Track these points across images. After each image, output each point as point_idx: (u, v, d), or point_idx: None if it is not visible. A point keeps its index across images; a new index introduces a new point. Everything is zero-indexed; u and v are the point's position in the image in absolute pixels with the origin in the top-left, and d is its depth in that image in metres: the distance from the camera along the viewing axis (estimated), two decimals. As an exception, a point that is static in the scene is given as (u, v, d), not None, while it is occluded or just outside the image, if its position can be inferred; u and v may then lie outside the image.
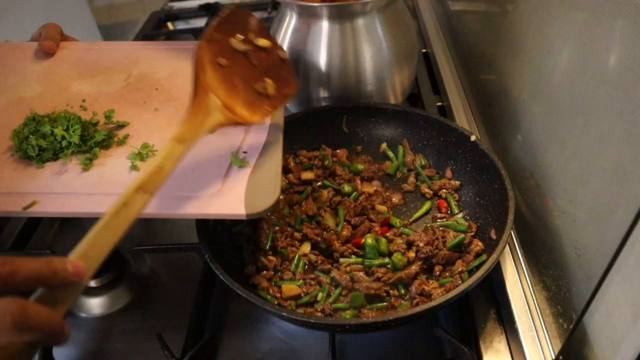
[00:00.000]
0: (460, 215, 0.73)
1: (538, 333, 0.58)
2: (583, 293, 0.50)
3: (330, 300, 0.63)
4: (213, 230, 0.65)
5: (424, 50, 1.14)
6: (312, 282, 0.66)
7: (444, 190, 0.76)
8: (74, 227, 0.86)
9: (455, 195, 0.75)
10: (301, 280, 0.66)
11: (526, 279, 0.63)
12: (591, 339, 0.50)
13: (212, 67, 0.60)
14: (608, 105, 0.47)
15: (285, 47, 0.83)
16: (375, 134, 0.84)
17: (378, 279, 0.65)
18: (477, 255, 0.65)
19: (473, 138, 0.73)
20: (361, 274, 0.65)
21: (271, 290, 0.65)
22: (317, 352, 0.63)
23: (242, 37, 0.65)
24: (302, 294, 0.65)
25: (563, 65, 0.57)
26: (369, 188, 0.79)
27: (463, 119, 0.89)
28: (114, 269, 0.72)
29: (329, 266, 0.67)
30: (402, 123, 0.82)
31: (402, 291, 0.64)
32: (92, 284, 0.71)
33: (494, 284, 0.67)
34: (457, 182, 0.76)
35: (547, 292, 0.59)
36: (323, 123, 0.83)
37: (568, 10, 0.55)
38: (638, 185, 0.41)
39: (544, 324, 0.58)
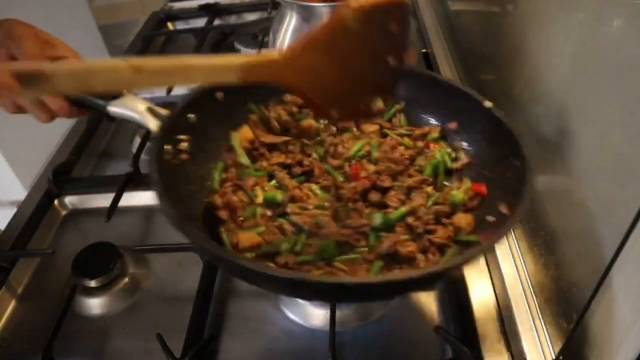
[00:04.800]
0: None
1: (538, 333, 0.57)
2: (583, 293, 0.50)
3: (297, 249, 0.54)
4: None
5: (424, 50, 1.14)
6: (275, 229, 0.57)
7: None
8: (74, 227, 0.86)
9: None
10: (263, 227, 0.56)
11: (526, 278, 0.63)
12: (591, 339, 0.50)
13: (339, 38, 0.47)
14: (608, 105, 0.47)
15: (285, 47, 0.82)
16: None
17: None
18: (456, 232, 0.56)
19: (488, 104, 0.62)
20: (327, 218, 0.56)
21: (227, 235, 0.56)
22: (317, 352, 0.63)
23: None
24: (263, 243, 0.55)
25: (563, 65, 0.57)
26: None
27: (463, 119, 0.89)
28: (114, 269, 0.72)
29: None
30: (405, 83, 0.67)
31: (373, 242, 0.55)
32: (92, 284, 0.71)
33: (494, 283, 0.67)
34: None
35: (547, 292, 0.59)
36: None
37: (568, 10, 0.55)
38: (638, 185, 0.41)
39: (544, 324, 0.58)
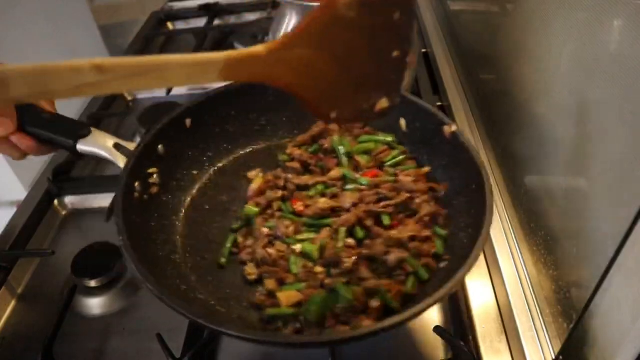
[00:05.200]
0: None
1: (538, 333, 0.57)
2: (583, 293, 0.50)
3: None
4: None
5: (424, 50, 1.14)
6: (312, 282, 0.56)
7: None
8: (74, 227, 0.86)
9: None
10: (303, 283, 0.55)
11: (526, 278, 0.63)
12: (591, 339, 0.50)
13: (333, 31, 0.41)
14: (608, 105, 0.47)
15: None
16: None
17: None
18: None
19: (453, 128, 0.61)
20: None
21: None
22: (317, 352, 0.63)
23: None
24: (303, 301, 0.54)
25: (563, 65, 0.57)
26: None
27: (463, 119, 0.89)
28: (114, 269, 0.72)
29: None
30: None
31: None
32: (92, 284, 0.71)
33: (494, 283, 0.67)
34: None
35: (547, 292, 0.59)
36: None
37: (568, 10, 0.55)
38: (638, 185, 0.41)
39: (544, 324, 0.58)
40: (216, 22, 1.39)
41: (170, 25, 1.45)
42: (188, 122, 0.65)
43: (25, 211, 0.84)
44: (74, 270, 0.71)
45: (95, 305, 0.71)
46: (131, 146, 0.60)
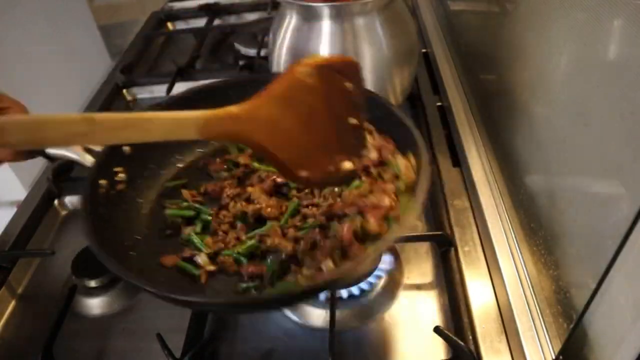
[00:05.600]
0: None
1: (538, 333, 0.57)
2: (583, 293, 0.50)
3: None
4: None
5: (424, 50, 1.14)
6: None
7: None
8: (74, 227, 0.86)
9: None
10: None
11: (526, 278, 0.63)
12: (591, 339, 0.50)
13: (297, 93, 0.47)
14: (608, 105, 0.47)
15: (285, 47, 0.82)
16: None
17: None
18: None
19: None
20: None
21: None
22: (317, 351, 0.63)
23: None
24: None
25: (563, 65, 0.57)
26: None
27: (463, 119, 0.89)
28: (114, 269, 0.72)
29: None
30: None
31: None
32: (92, 284, 0.71)
33: (494, 283, 0.67)
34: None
35: (547, 292, 0.59)
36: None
37: (568, 10, 0.55)
38: (638, 185, 0.41)
39: (544, 324, 0.58)
40: (216, 22, 1.39)
41: (170, 25, 1.45)
42: None
43: (25, 211, 0.84)
44: (74, 270, 0.71)
45: (95, 305, 0.71)
46: (98, 148, 0.63)
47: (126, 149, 0.64)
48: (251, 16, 1.41)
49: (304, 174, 0.48)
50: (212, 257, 0.60)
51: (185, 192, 0.67)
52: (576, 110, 0.53)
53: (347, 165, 0.51)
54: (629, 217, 0.42)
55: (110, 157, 0.62)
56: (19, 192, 1.24)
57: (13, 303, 0.74)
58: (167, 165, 0.70)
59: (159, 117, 0.44)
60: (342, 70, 0.49)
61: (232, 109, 0.45)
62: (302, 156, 0.48)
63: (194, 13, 1.43)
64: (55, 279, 0.76)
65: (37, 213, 0.84)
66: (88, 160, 0.62)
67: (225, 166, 0.71)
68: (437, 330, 0.61)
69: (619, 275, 0.45)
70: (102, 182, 0.60)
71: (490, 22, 0.85)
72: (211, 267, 0.58)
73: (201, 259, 0.59)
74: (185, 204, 0.66)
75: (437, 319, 0.65)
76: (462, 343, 0.58)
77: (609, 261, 0.45)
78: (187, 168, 0.71)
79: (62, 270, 0.75)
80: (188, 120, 0.43)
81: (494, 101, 0.81)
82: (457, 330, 0.63)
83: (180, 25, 1.45)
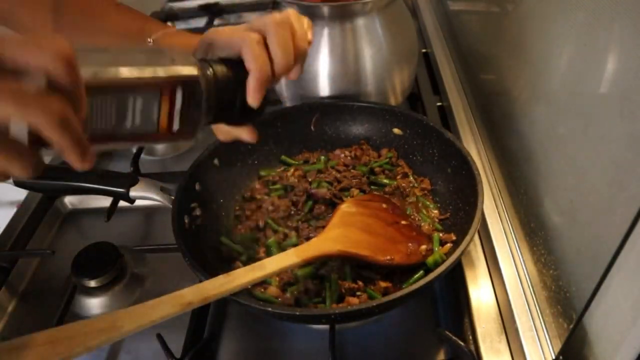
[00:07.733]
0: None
1: (538, 333, 0.57)
2: (583, 293, 0.50)
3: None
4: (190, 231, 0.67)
5: (424, 50, 1.14)
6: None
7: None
8: (74, 227, 0.86)
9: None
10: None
11: (526, 278, 0.63)
12: (591, 339, 0.50)
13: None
14: (608, 105, 0.47)
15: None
16: (344, 131, 0.84)
17: None
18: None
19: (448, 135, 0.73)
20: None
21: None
22: (318, 351, 0.63)
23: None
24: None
25: (563, 65, 0.57)
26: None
27: (463, 119, 0.89)
28: (114, 269, 0.72)
29: None
30: (367, 119, 0.83)
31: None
32: (92, 284, 0.71)
33: (494, 283, 0.67)
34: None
35: (547, 292, 0.59)
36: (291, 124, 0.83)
37: (568, 10, 0.55)
38: (638, 185, 0.41)
39: (544, 324, 0.58)
40: (216, 22, 1.39)
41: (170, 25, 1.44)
42: (216, 161, 0.76)
43: (25, 211, 0.84)
44: (74, 270, 0.71)
45: (95, 305, 0.71)
46: (172, 187, 0.70)
47: (197, 186, 0.72)
48: (251, 16, 1.41)
49: (387, 258, 0.63)
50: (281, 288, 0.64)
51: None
52: (576, 111, 0.53)
53: (423, 248, 0.66)
54: (629, 217, 0.42)
55: (186, 196, 0.69)
56: (19, 192, 1.23)
57: (13, 303, 0.74)
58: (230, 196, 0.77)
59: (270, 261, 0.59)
60: (372, 199, 0.72)
61: (313, 240, 0.64)
62: (377, 248, 0.64)
63: (194, 13, 1.43)
64: (55, 279, 0.76)
65: (37, 213, 0.84)
66: (167, 199, 0.69)
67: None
68: (437, 330, 0.61)
69: (619, 275, 0.44)
70: (185, 218, 0.67)
71: (490, 22, 0.85)
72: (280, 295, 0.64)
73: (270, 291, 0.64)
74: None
75: (437, 319, 0.65)
76: (462, 343, 0.58)
77: (609, 261, 0.45)
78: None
79: (62, 270, 0.75)
80: (289, 256, 0.59)
81: (494, 101, 0.81)
82: (457, 330, 0.63)
83: (180, 25, 1.44)
